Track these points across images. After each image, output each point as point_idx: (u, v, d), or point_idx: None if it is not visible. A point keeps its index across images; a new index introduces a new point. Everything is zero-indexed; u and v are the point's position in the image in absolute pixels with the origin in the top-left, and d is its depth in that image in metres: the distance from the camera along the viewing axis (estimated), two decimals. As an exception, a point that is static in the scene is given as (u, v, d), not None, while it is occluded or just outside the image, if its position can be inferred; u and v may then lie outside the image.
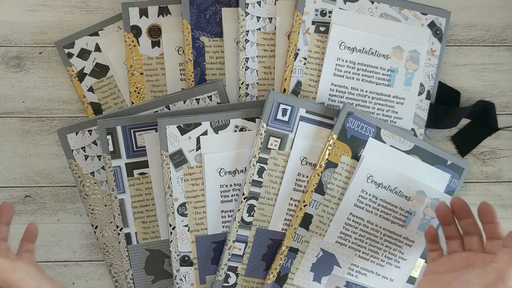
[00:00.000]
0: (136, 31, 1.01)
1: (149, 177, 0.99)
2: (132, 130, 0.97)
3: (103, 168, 1.00)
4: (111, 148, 0.97)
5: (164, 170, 0.96)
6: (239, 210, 0.97)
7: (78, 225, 1.05)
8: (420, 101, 1.01)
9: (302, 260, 0.99)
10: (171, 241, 0.99)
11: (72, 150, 1.00)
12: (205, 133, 0.96)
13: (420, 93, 1.01)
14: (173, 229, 0.98)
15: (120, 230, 1.00)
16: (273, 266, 0.99)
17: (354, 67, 1.00)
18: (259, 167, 0.97)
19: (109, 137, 0.97)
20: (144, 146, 0.98)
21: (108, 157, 0.97)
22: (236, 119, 0.97)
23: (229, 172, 0.98)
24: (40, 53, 1.03)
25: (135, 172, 0.98)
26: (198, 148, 0.97)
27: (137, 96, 1.02)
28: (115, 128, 0.97)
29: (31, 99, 1.03)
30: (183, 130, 0.96)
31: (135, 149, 0.97)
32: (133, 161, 0.98)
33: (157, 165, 0.98)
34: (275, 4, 1.01)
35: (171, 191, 0.97)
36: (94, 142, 1.00)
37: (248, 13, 1.00)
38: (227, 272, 0.99)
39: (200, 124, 0.96)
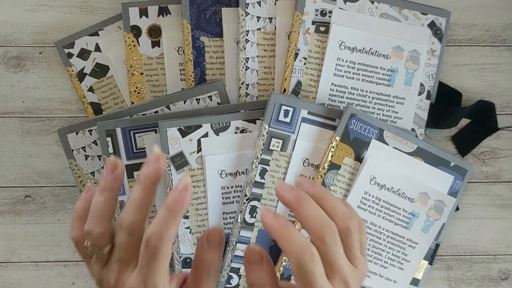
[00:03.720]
0: (136, 31, 1.01)
1: (150, 179, 0.98)
2: (131, 132, 0.97)
3: (103, 167, 1.00)
4: (111, 150, 0.97)
5: (165, 173, 0.96)
6: (241, 211, 0.97)
7: (78, 225, 1.05)
8: (420, 101, 1.01)
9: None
10: (173, 243, 0.99)
11: (73, 150, 1.00)
12: (205, 135, 0.96)
13: (420, 93, 1.01)
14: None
15: (121, 231, 0.99)
16: (276, 267, 0.99)
17: (354, 67, 1.00)
18: (261, 168, 0.96)
19: (108, 139, 0.97)
20: (144, 148, 0.98)
21: (108, 159, 0.97)
22: (236, 120, 0.97)
23: (230, 173, 0.98)
24: (40, 53, 1.03)
25: (135, 173, 0.98)
26: (199, 150, 0.97)
27: (137, 96, 1.02)
28: (115, 130, 0.97)
29: (31, 99, 1.03)
30: (184, 133, 0.96)
31: (135, 151, 0.97)
32: (133, 162, 0.98)
33: (157, 166, 0.98)
34: (275, 4, 1.00)
35: (173, 193, 0.97)
36: (95, 142, 1.00)
37: (248, 13, 1.00)
38: (230, 273, 0.99)
39: (200, 126, 0.96)
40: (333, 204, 0.65)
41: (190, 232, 0.99)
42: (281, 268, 0.99)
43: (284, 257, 0.98)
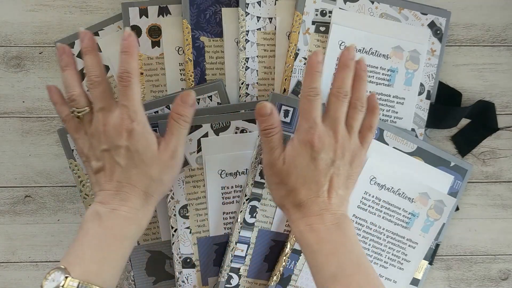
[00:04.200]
0: (136, 31, 1.01)
1: (150, 179, 0.98)
2: (132, 132, 0.97)
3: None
4: (111, 151, 0.97)
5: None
6: (241, 211, 0.97)
7: (78, 225, 1.05)
8: (420, 101, 1.01)
9: (305, 262, 0.99)
10: (173, 243, 0.99)
11: (73, 150, 1.00)
12: (205, 135, 0.96)
13: (420, 93, 1.01)
14: (175, 231, 0.98)
15: (121, 231, 0.99)
16: (276, 267, 0.99)
17: (354, 67, 1.00)
18: (261, 168, 0.96)
19: (109, 139, 0.97)
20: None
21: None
22: (236, 120, 0.97)
23: (230, 173, 0.98)
24: (40, 53, 1.03)
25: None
26: (199, 150, 0.97)
27: (137, 96, 1.02)
28: (115, 131, 0.97)
29: (31, 99, 1.03)
30: (184, 133, 0.96)
31: (135, 151, 0.97)
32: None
33: (157, 166, 0.98)
34: (275, 4, 1.00)
35: (172, 194, 0.97)
36: (94, 142, 1.00)
37: (248, 13, 1.00)
38: (230, 273, 0.99)
39: (200, 126, 0.96)
40: (360, 87, 0.88)
41: (190, 232, 0.99)
42: (281, 268, 0.99)
43: (284, 257, 0.98)
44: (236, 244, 0.98)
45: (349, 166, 0.87)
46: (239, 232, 0.98)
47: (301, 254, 0.99)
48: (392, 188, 0.99)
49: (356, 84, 0.88)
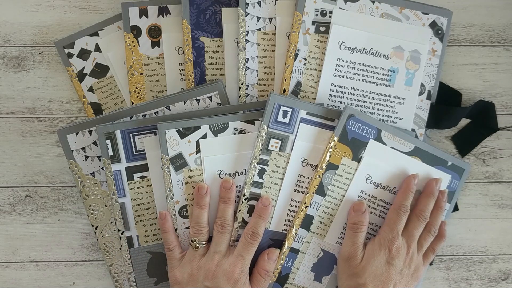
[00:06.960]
0: (136, 31, 1.01)
1: (149, 180, 0.99)
2: (131, 134, 0.97)
3: (103, 168, 1.00)
4: (110, 153, 0.97)
5: (165, 174, 0.96)
6: (239, 210, 0.97)
7: (78, 225, 1.05)
8: (420, 101, 1.01)
9: (303, 260, 1.00)
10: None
11: (72, 150, 1.00)
12: (204, 136, 0.96)
13: (420, 93, 1.01)
14: (175, 231, 0.99)
15: (122, 233, 1.00)
16: (275, 264, 0.99)
17: (355, 68, 1.00)
18: (260, 168, 0.96)
19: (108, 141, 0.97)
20: (144, 150, 0.98)
21: (108, 162, 0.97)
22: (235, 121, 0.97)
23: (229, 174, 0.98)
24: (40, 53, 1.03)
25: (135, 175, 0.98)
26: (198, 151, 0.97)
27: (137, 96, 1.02)
28: (114, 133, 0.97)
29: (31, 99, 1.03)
30: (183, 134, 0.96)
31: (134, 153, 0.97)
32: (133, 165, 0.98)
33: (157, 168, 0.98)
34: (275, 4, 1.00)
35: (172, 194, 0.97)
36: (94, 143, 1.00)
37: (248, 13, 1.00)
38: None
39: (199, 127, 0.96)
40: (438, 215, 1.00)
41: (190, 232, 0.99)
42: (279, 266, 0.99)
43: (282, 256, 0.98)
44: (234, 242, 0.98)
45: (410, 277, 0.99)
46: (238, 231, 0.98)
47: (299, 252, 0.99)
48: (388, 186, 0.99)
49: (435, 212, 1.00)
